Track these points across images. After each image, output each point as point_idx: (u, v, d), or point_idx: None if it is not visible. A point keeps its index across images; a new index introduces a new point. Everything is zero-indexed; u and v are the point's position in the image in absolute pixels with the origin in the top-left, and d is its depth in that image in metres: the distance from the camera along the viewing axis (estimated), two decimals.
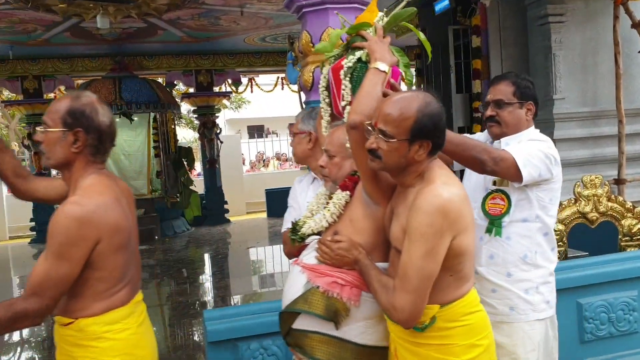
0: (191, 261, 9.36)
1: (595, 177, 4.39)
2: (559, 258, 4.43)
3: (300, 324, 2.01)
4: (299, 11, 3.25)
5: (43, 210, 11.39)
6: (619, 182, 6.07)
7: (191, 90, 12.39)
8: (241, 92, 13.33)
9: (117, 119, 11.22)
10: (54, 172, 14.81)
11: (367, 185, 2.03)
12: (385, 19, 2.20)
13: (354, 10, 3.11)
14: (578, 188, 4.39)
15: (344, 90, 2.15)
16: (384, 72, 2.02)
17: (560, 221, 4.40)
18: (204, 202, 12.19)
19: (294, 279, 2.09)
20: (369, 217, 2.04)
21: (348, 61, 2.15)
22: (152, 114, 11.45)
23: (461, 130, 8.13)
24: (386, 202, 2.01)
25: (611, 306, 3.55)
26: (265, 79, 14.64)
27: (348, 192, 2.11)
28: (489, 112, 2.52)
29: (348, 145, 2.04)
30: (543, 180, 2.37)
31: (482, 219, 2.45)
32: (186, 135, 23.84)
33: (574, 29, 7.13)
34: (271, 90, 12.94)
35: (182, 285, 7.57)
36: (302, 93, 3.85)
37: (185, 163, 11.42)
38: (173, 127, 11.61)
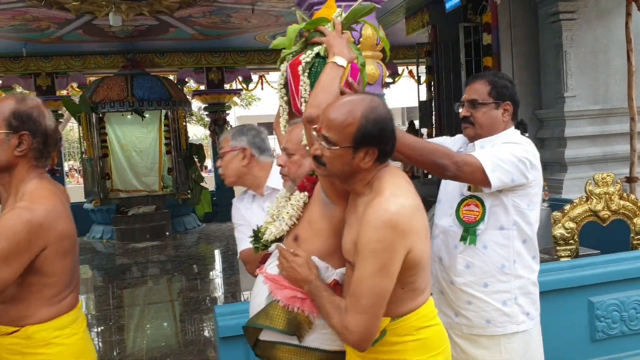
0: (202, 257, 9.41)
1: (607, 175, 4.37)
2: (570, 256, 4.43)
3: (266, 335, 1.95)
4: (310, 9, 3.27)
5: None
6: (631, 180, 6.04)
7: (202, 87, 12.44)
8: (252, 90, 13.37)
9: (129, 116, 11.30)
10: (65, 168, 14.93)
11: (324, 184, 1.93)
12: (344, 15, 2.16)
13: None
14: (590, 186, 4.38)
15: (302, 86, 2.09)
16: (342, 67, 1.97)
17: (571, 219, 4.39)
18: (214, 198, 12.25)
19: (258, 289, 2.03)
20: (326, 218, 1.93)
21: (306, 56, 2.09)
22: (164, 111, 11.52)
23: None
24: (344, 202, 1.90)
25: (623, 305, 3.54)
26: (276, 76, 14.64)
27: (306, 193, 2.03)
28: (463, 113, 2.42)
29: (305, 142, 2.00)
30: (518, 186, 2.25)
31: (457, 227, 2.36)
32: (197, 132, 23.94)
33: (586, 26, 7.10)
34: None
35: (192, 281, 7.61)
36: None
37: (196, 160, 11.47)
38: (184, 124, 11.66)
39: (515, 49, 7.52)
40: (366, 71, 2.20)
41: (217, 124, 12.43)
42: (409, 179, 1.85)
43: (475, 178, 2.18)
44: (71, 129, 23.33)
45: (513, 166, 2.20)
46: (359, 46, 3.12)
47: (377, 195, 1.70)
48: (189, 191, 11.22)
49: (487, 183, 2.17)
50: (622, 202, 4.33)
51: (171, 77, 12.55)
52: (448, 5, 7.38)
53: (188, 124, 12.67)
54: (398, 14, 9.48)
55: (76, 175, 20.58)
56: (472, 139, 2.41)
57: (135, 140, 11.88)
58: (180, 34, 9.95)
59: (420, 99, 9.59)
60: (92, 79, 11.92)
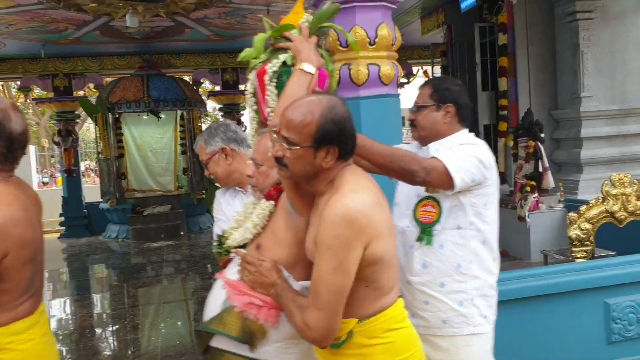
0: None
1: (624, 176, 4.34)
2: (585, 257, 4.40)
3: (217, 342, 1.92)
4: None
5: (72, 206, 11.62)
6: None
7: (217, 88, 12.50)
8: None
9: (145, 117, 11.39)
10: (82, 168, 15.08)
11: (288, 194, 1.91)
12: (310, 20, 2.12)
13: (382, 9, 3.13)
14: (606, 187, 4.35)
15: (268, 96, 2.05)
16: (310, 73, 1.94)
17: (587, 220, 4.36)
18: None
19: (216, 294, 2.00)
20: (291, 228, 1.91)
21: (272, 65, 2.05)
22: (179, 112, 11.59)
23: (487, 128, 8.09)
24: (309, 212, 1.87)
25: None
26: None
27: (272, 202, 2.00)
28: (409, 117, 2.42)
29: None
30: (475, 185, 2.24)
31: (414, 227, 2.34)
32: None
33: (603, 25, 7.05)
34: None
35: (207, 280, 7.65)
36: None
37: None
38: (199, 124, 11.73)
39: (531, 49, 7.48)
40: (335, 77, 2.19)
41: None
42: (371, 177, 1.84)
43: (442, 181, 2.17)
44: (88, 129, 23.56)
45: (473, 166, 2.20)
46: (374, 47, 3.12)
47: (336, 192, 1.69)
48: (204, 191, 11.26)
49: (452, 185, 2.16)
50: (639, 203, 4.30)
51: (186, 78, 12.62)
52: (463, 5, 7.36)
53: (203, 125, 12.73)
54: (413, 14, 9.46)
55: (92, 175, 20.77)
56: (420, 141, 2.43)
57: (151, 141, 11.97)
58: (195, 35, 10.01)
59: None
60: (109, 79, 12.02)
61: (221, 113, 13.17)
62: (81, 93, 12.05)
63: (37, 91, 13.49)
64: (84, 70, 11.33)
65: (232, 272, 1.99)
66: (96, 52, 11.03)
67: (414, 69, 12.99)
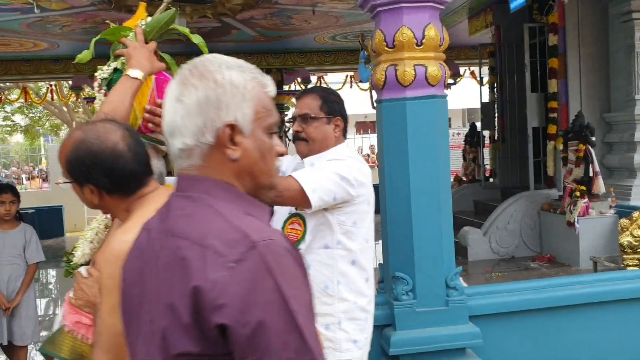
0: None
1: None
2: (637, 265, 4.26)
3: None
4: (372, 10, 3.25)
5: None
6: None
7: None
8: None
9: None
10: None
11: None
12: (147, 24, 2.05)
13: (430, 10, 3.09)
14: None
15: (96, 104, 1.96)
16: (136, 79, 1.85)
17: None
18: None
19: (60, 311, 1.92)
20: None
21: (102, 72, 1.97)
22: None
23: (536, 131, 7.91)
24: None
25: None
26: (334, 78, 14.70)
27: (108, 216, 1.89)
28: (295, 128, 2.30)
29: None
30: (342, 203, 2.14)
31: None
32: None
33: None
34: (340, 89, 12.99)
35: None
36: (373, 92, 3.85)
37: None
38: None
39: (582, 50, 7.29)
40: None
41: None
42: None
43: (297, 201, 2.09)
44: None
45: (335, 184, 2.10)
46: (421, 47, 3.08)
47: (122, 226, 1.57)
48: None
49: (308, 204, 2.06)
50: None
51: None
52: (513, 5, 7.21)
53: None
54: (461, 14, 9.33)
55: None
56: (305, 155, 2.31)
57: None
58: (241, 36, 10.11)
59: (483, 101, 9.42)
60: None
61: None
62: None
63: (88, 90, 13.87)
64: None
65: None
66: None
67: (461, 70, 12.82)
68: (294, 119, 2.33)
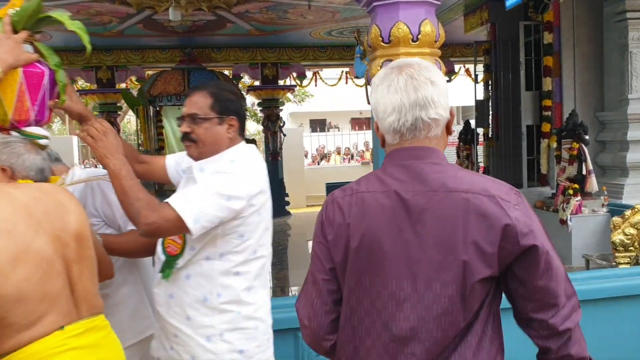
0: None
1: None
2: (629, 263, 4.28)
3: None
4: (368, 5, 3.25)
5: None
6: None
7: (256, 83, 12.56)
8: (305, 86, 13.42)
9: None
10: None
11: None
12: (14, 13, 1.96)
13: (426, 5, 3.09)
14: None
15: None
16: None
17: (632, 225, 4.24)
18: None
19: None
20: None
21: None
22: None
23: (530, 129, 7.93)
24: None
25: None
26: (330, 73, 14.69)
27: None
28: (182, 129, 2.12)
29: None
30: (228, 220, 2.01)
31: (162, 256, 2.12)
32: (250, 127, 24.23)
33: None
34: (335, 84, 12.98)
35: None
36: (368, 87, 3.85)
37: None
38: None
39: (577, 49, 7.31)
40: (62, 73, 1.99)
41: (271, 120, 12.53)
42: (20, 195, 1.71)
43: (178, 230, 1.96)
44: (129, 122, 23.98)
45: (218, 208, 1.95)
46: (417, 43, 3.08)
47: None
48: None
49: (190, 233, 1.94)
50: None
51: (227, 72, 12.72)
52: (508, 3, 7.22)
53: None
54: (456, 11, 9.34)
55: None
56: (195, 158, 2.13)
57: None
58: (236, 30, 10.07)
59: (477, 98, 9.43)
60: (150, 72, 12.20)
61: (260, 108, 13.23)
62: (123, 85, 12.25)
63: (81, 83, 13.79)
64: (127, 62, 11.52)
65: None
66: (139, 45, 11.19)
67: (456, 67, 12.83)
68: (181, 118, 2.15)
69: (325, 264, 1.49)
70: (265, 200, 2.13)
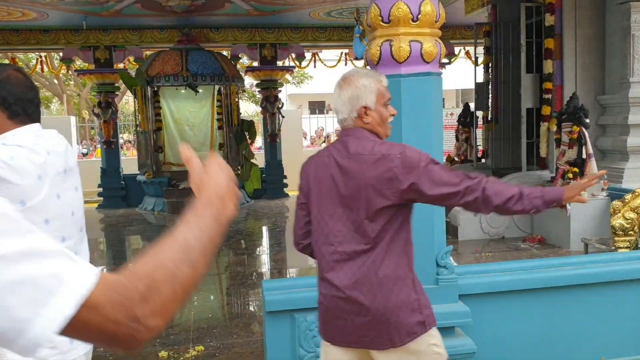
0: (250, 233, 9.50)
1: None
2: (629, 247, 4.26)
3: None
4: None
5: (110, 177, 11.81)
6: None
7: (255, 64, 12.47)
8: (304, 67, 13.32)
9: (183, 91, 11.45)
10: (120, 140, 15.30)
11: None
12: None
13: None
14: None
15: None
16: None
17: (632, 209, 4.22)
18: (264, 175, 12.32)
19: None
20: None
21: None
22: (217, 87, 11.61)
23: (530, 112, 7.88)
24: None
25: None
26: (329, 55, 14.57)
27: None
28: None
29: None
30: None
31: None
32: (248, 109, 24.12)
33: None
34: (334, 66, 12.88)
35: (240, 255, 7.70)
36: (368, 67, 3.79)
37: (247, 136, 11.54)
38: (236, 100, 11.72)
39: (579, 31, 7.24)
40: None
41: (269, 101, 12.46)
42: None
43: None
44: (127, 102, 23.86)
45: None
46: (417, 23, 3.02)
47: None
48: (239, 167, 11.32)
49: None
50: None
51: (225, 53, 12.61)
52: None
53: (240, 101, 12.73)
54: None
55: (131, 147, 21.07)
56: None
57: (188, 115, 12.03)
58: (235, 10, 9.96)
59: (477, 81, 9.36)
60: (149, 52, 12.09)
61: (258, 89, 13.15)
62: (121, 65, 12.15)
63: (79, 62, 13.68)
64: (125, 42, 11.42)
65: None
66: (137, 25, 11.09)
67: (456, 49, 12.73)
68: None
69: (301, 199, 2.33)
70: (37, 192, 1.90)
